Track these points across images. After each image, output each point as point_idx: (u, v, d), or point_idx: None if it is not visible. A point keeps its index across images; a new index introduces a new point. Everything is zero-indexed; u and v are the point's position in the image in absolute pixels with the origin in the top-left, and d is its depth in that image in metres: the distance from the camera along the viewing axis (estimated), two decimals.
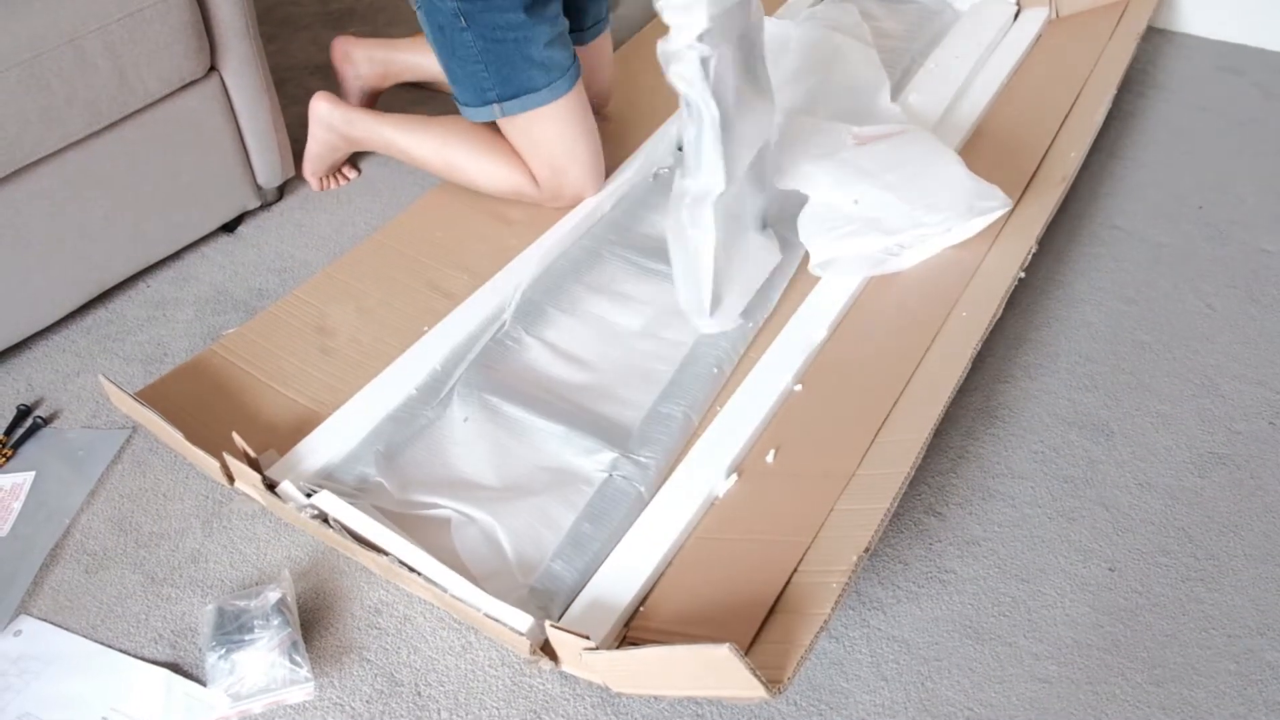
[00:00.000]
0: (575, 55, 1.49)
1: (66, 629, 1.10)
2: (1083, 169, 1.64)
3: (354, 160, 1.75)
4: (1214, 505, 1.19)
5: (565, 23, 1.48)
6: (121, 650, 1.08)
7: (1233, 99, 1.87)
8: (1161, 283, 1.48)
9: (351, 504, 1.07)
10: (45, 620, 1.10)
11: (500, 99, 1.44)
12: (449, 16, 1.39)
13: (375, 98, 1.81)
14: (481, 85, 1.44)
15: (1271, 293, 1.46)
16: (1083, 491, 1.21)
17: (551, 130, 1.47)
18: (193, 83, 1.44)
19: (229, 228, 1.62)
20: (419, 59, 1.73)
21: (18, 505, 1.21)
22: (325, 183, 1.72)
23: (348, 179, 1.73)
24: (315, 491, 1.09)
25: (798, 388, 1.25)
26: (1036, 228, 1.39)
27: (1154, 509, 1.19)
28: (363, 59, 1.74)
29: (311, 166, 1.68)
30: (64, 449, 1.28)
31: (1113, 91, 1.67)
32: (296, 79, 1.95)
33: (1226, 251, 1.53)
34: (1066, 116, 1.66)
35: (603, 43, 1.68)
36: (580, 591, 1.05)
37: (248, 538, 1.18)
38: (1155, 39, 2.03)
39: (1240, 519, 1.17)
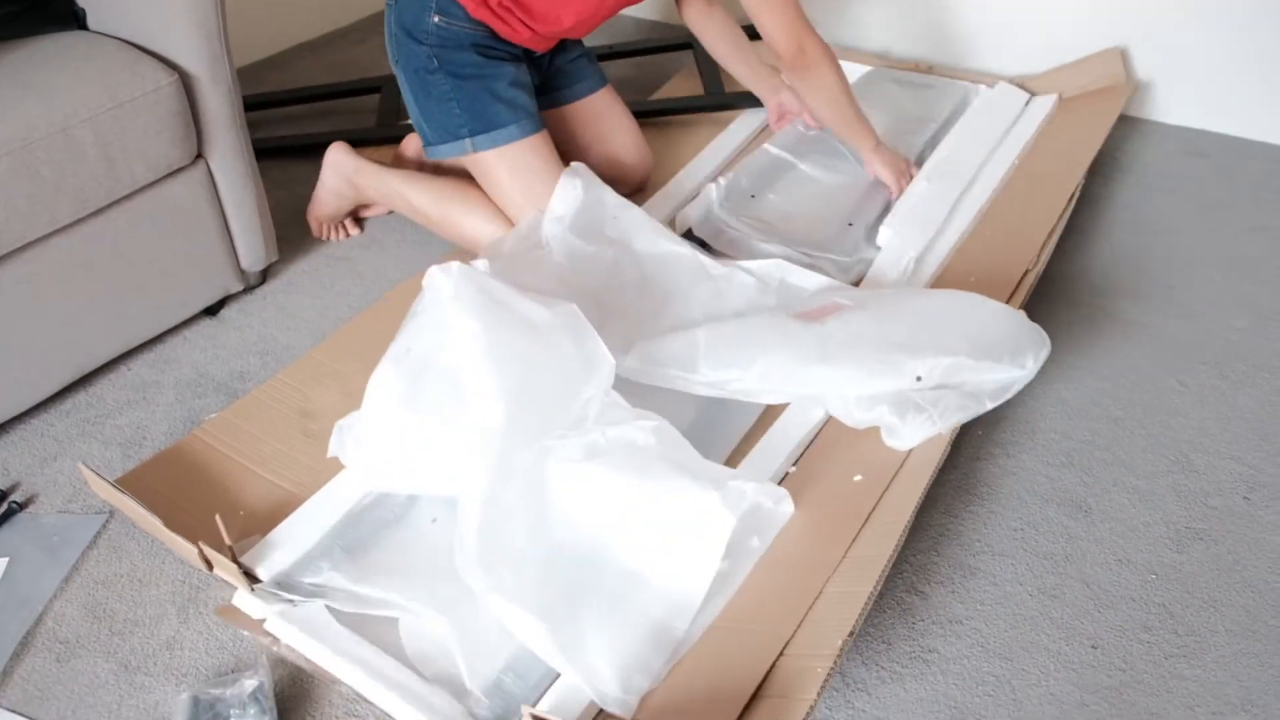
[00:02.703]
0: (539, 112, 1.60)
1: None
2: (1056, 250, 1.68)
3: (359, 220, 1.84)
4: (1193, 581, 1.20)
5: (529, 76, 1.62)
6: None
7: (1199, 182, 1.92)
8: (1134, 360, 1.51)
9: (303, 630, 1.07)
10: (15, 711, 1.08)
11: (471, 133, 1.55)
12: (424, 59, 1.54)
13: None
14: (455, 122, 1.56)
15: (1240, 369, 1.49)
16: (1063, 568, 1.21)
17: (515, 167, 1.56)
18: (179, 169, 1.46)
19: (211, 311, 1.63)
20: (392, 189, 1.69)
21: None
22: (326, 230, 1.80)
23: (349, 234, 1.81)
24: (283, 597, 1.09)
25: (792, 469, 1.25)
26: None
27: (1134, 585, 1.19)
28: (351, 168, 1.72)
29: (316, 210, 1.78)
30: (39, 534, 1.27)
31: (1080, 177, 1.72)
32: (280, 164, 1.99)
33: (1196, 329, 1.57)
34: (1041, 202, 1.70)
35: (597, 103, 1.74)
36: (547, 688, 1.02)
37: (225, 624, 1.16)
38: (1121, 125, 2.09)
39: (1220, 594, 1.18)
